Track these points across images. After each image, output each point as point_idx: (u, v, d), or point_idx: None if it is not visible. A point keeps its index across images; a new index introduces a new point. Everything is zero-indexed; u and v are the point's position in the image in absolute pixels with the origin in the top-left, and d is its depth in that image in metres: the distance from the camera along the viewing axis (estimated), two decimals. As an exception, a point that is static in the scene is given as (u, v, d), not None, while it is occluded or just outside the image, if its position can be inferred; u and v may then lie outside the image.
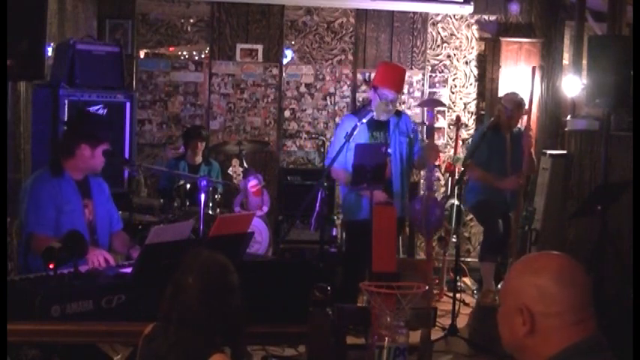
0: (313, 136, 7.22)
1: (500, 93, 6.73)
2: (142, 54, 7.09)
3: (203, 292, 2.22)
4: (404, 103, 7.23)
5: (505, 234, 5.87)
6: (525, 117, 5.75)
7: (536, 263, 1.65)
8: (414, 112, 7.11)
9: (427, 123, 5.22)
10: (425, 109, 5.64)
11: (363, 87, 7.23)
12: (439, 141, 7.36)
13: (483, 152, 5.67)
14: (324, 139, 7.13)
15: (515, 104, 5.77)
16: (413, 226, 5.48)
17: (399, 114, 5.24)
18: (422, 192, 5.07)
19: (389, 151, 4.96)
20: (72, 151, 3.82)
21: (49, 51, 5.21)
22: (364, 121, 4.89)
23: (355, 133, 4.81)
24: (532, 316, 1.59)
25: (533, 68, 5.67)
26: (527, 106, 5.69)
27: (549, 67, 7.39)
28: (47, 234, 3.63)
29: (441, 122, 7.39)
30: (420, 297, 2.94)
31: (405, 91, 7.24)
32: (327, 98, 7.28)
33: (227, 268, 2.31)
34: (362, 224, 4.92)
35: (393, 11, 7.27)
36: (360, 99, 7.21)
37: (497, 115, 5.92)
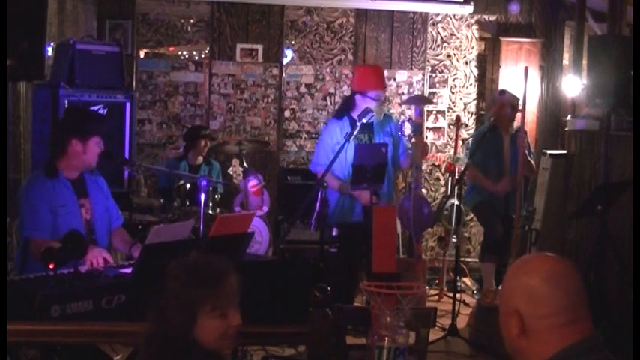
0: (313, 136, 7.22)
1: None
2: (142, 54, 7.09)
3: (184, 294, 2.19)
4: (404, 103, 7.24)
5: (505, 234, 5.87)
6: (520, 117, 5.75)
7: (528, 265, 1.65)
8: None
9: (414, 120, 5.17)
10: (413, 106, 5.63)
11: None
12: (439, 141, 7.37)
13: (478, 153, 5.68)
14: (324, 139, 7.12)
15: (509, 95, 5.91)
16: (401, 223, 5.40)
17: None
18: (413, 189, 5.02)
19: None
20: (64, 149, 3.77)
21: (49, 51, 5.21)
22: (364, 121, 4.89)
23: (355, 132, 4.82)
24: (522, 318, 1.60)
25: (526, 68, 5.65)
26: (520, 106, 5.69)
27: (549, 67, 7.39)
28: (44, 237, 3.61)
29: (441, 122, 7.40)
30: (419, 297, 2.94)
31: (405, 91, 7.25)
32: (327, 98, 7.27)
33: (207, 270, 2.25)
34: (355, 226, 4.95)
35: (393, 11, 7.27)
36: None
37: (496, 114, 5.93)
